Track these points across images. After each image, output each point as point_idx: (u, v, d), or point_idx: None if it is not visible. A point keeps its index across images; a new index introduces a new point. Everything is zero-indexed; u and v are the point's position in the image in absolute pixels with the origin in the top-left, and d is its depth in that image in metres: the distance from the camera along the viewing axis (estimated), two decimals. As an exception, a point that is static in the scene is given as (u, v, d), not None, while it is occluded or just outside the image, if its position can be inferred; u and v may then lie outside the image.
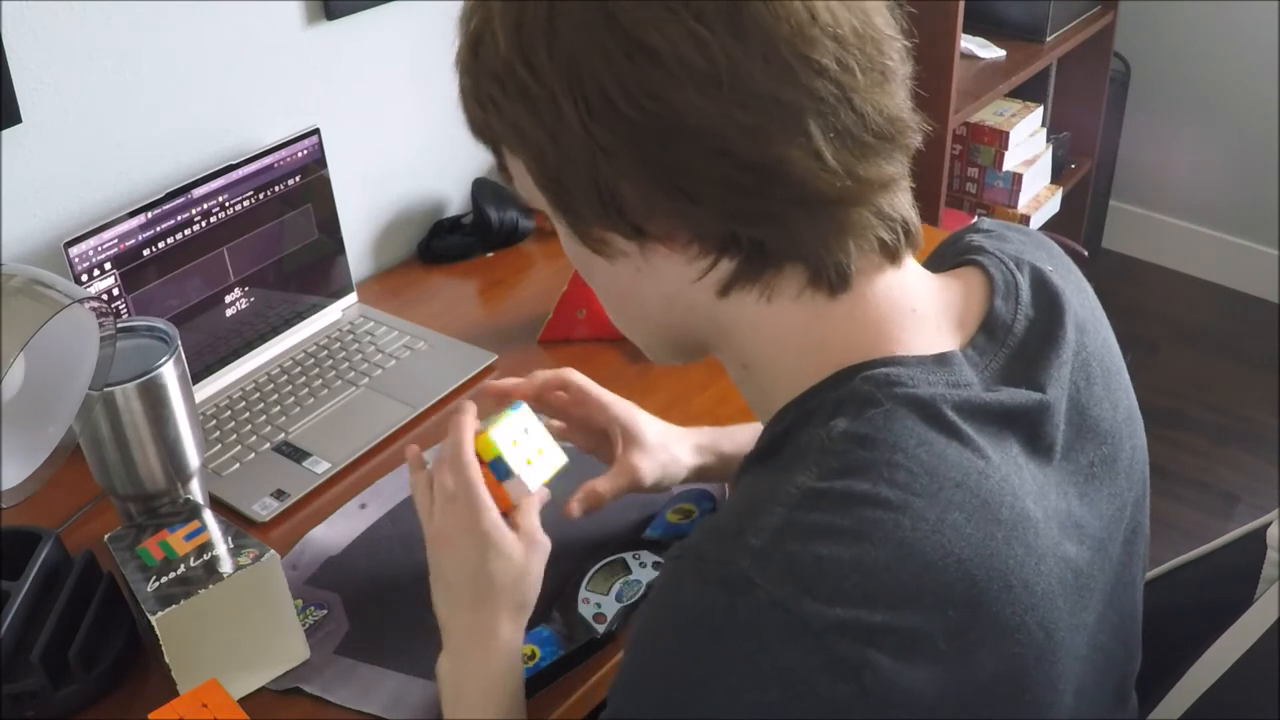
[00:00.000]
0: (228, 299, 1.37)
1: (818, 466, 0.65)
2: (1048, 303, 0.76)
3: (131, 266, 1.25)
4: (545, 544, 0.90)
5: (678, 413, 1.12)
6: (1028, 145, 2.62)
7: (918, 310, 0.72)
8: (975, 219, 0.87)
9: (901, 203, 0.70)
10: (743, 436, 1.07)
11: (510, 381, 1.01)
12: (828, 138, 0.64)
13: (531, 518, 0.91)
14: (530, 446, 0.93)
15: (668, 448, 1.03)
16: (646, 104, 0.63)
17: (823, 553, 0.61)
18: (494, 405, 0.97)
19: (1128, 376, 0.82)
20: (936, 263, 0.81)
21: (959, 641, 0.62)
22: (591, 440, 1.06)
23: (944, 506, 0.63)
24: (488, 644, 0.88)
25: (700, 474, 1.06)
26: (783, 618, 0.60)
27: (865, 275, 0.70)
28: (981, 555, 0.63)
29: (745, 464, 0.75)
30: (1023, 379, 0.72)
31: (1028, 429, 0.71)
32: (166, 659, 0.93)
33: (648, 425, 1.03)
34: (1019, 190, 2.61)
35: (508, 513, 0.90)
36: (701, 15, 0.62)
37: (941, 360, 0.70)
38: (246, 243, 1.37)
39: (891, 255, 0.71)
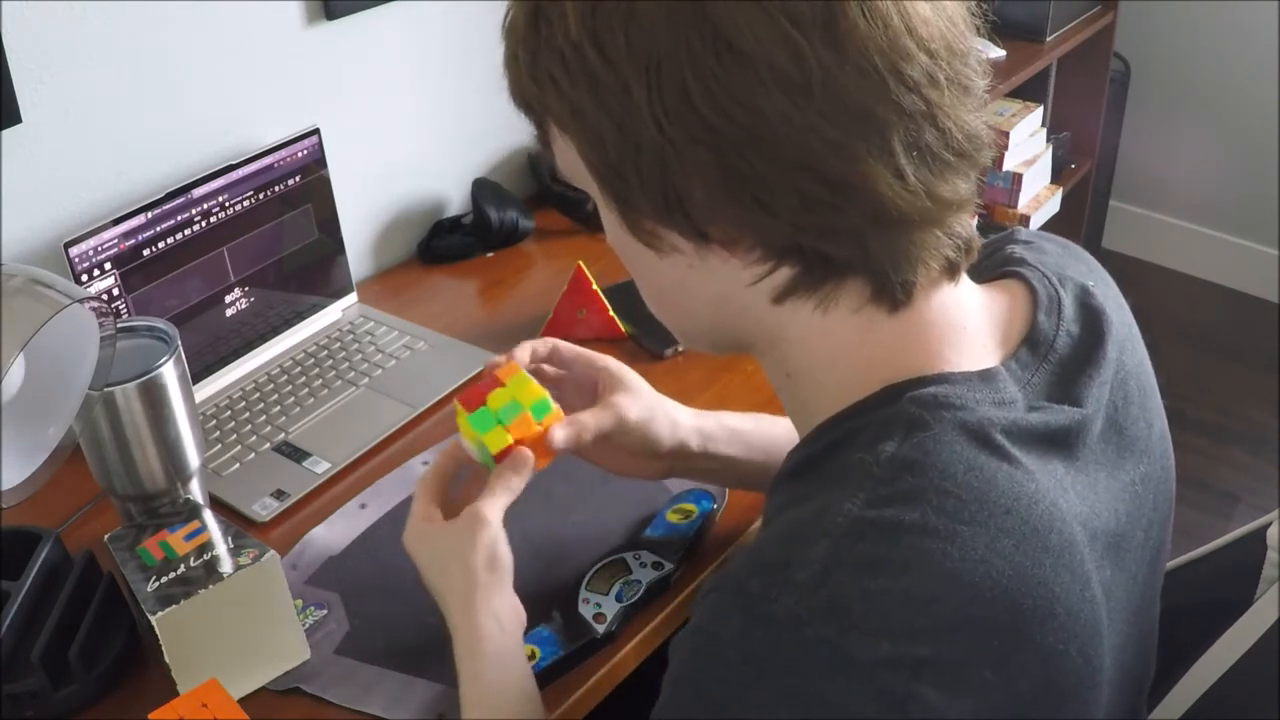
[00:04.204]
0: (228, 299, 1.37)
1: (864, 493, 0.63)
2: (1091, 321, 0.76)
3: (131, 266, 1.25)
4: (476, 514, 0.85)
5: (678, 413, 1.12)
6: (1028, 145, 2.63)
7: (968, 329, 0.71)
8: (1013, 228, 0.86)
9: (967, 221, 0.69)
10: (730, 422, 1.02)
11: (503, 360, 0.96)
12: (910, 155, 0.63)
13: (483, 498, 0.87)
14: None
15: (658, 398, 0.98)
16: (730, 108, 0.61)
17: (871, 587, 0.60)
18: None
19: (1159, 395, 0.82)
20: (973, 271, 0.79)
21: (1002, 671, 0.61)
22: (586, 400, 0.99)
23: (994, 535, 0.62)
24: (456, 631, 0.86)
25: (701, 439, 0.99)
26: (831, 654, 0.59)
27: (924, 291, 0.69)
28: (1029, 584, 0.62)
29: (779, 480, 0.73)
30: (1063, 396, 0.72)
31: (1069, 448, 0.70)
32: (166, 659, 0.93)
33: (634, 375, 0.98)
34: (1019, 190, 2.61)
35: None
36: (798, 20, 0.60)
37: (986, 376, 0.69)
38: (246, 243, 1.37)
39: (952, 273, 0.70)
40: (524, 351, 0.96)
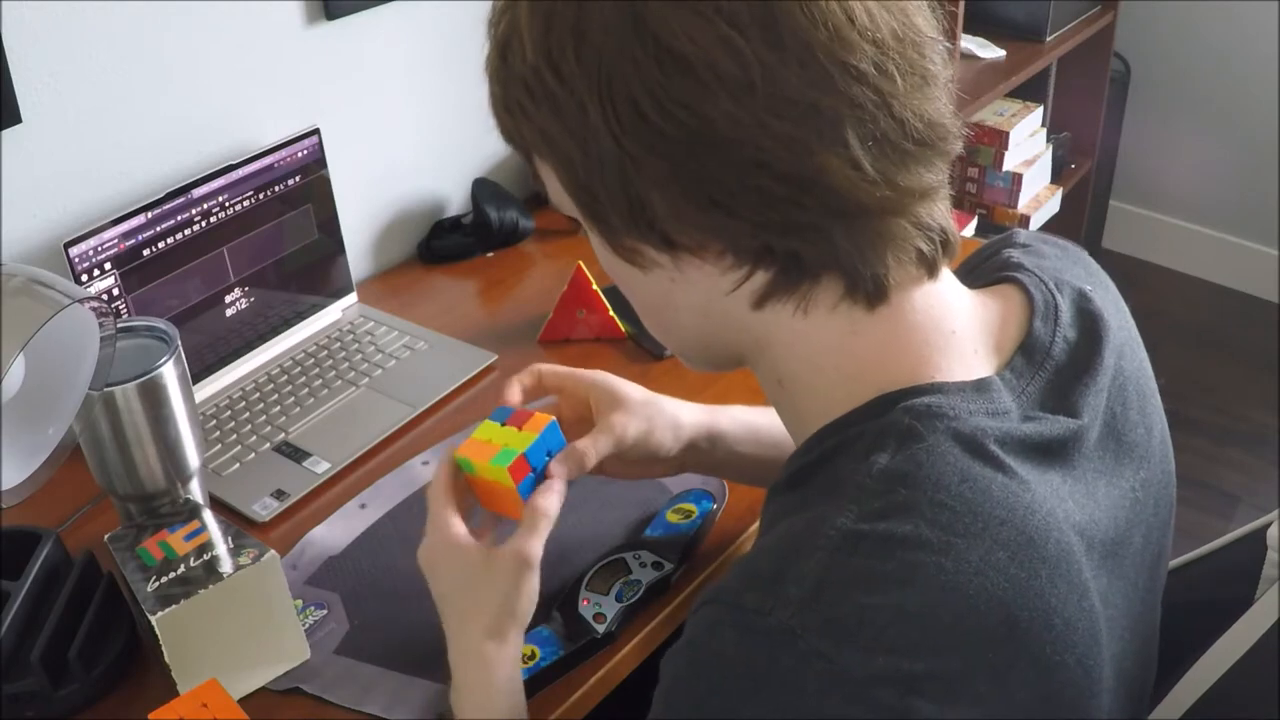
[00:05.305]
0: (228, 299, 1.37)
1: (857, 506, 0.63)
2: (1089, 327, 0.75)
3: (131, 266, 1.25)
4: (524, 559, 0.84)
5: (678, 413, 1.12)
6: (1028, 145, 2.63)
7: (957, 332, 0.71)
8: (1011, 230, 0.86)
9: (940, 212, 0.68)
10: (746, 417, 1.01)
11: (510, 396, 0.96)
12: (866, 146, 0.63)
13: (522, 533, 0.85)
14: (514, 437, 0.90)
15: (655, 405, 0.95)
16: (678, 113, 0.61)
17: (865, 601, 0.60)
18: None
19: (1159, 399, 0.81)
20: (970, 275, 0.79)
21: (999, 683, 0.61)
22: (581, 415, 0.98)
23: (988, 546, 0.62)
24: (474, 663, 0.85)
25: (709, 438, 0.98)
26: (825, 668, 0.59)
27: (903, 288, 0.69)
28: (1025, 595, 0.62)
29: (775, 489, 0.73)
30: (1059, 405, 0.71)
31: (1065, 458, 0.70)
32: (166, 659, 0.93)
33: (627, 386, 0.96)
34: (1019, 190, 2.61)
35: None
36: (734, 20, 0.60)
37: (980, 387, 0.69)
38: (246, 243, 1.37)
39: (929, 267, 0.69)
40: (514, 392, 0.95)
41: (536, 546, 0.85)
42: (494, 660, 0.85)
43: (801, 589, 0.61)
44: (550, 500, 0.86)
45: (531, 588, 0.86)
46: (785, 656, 0.60)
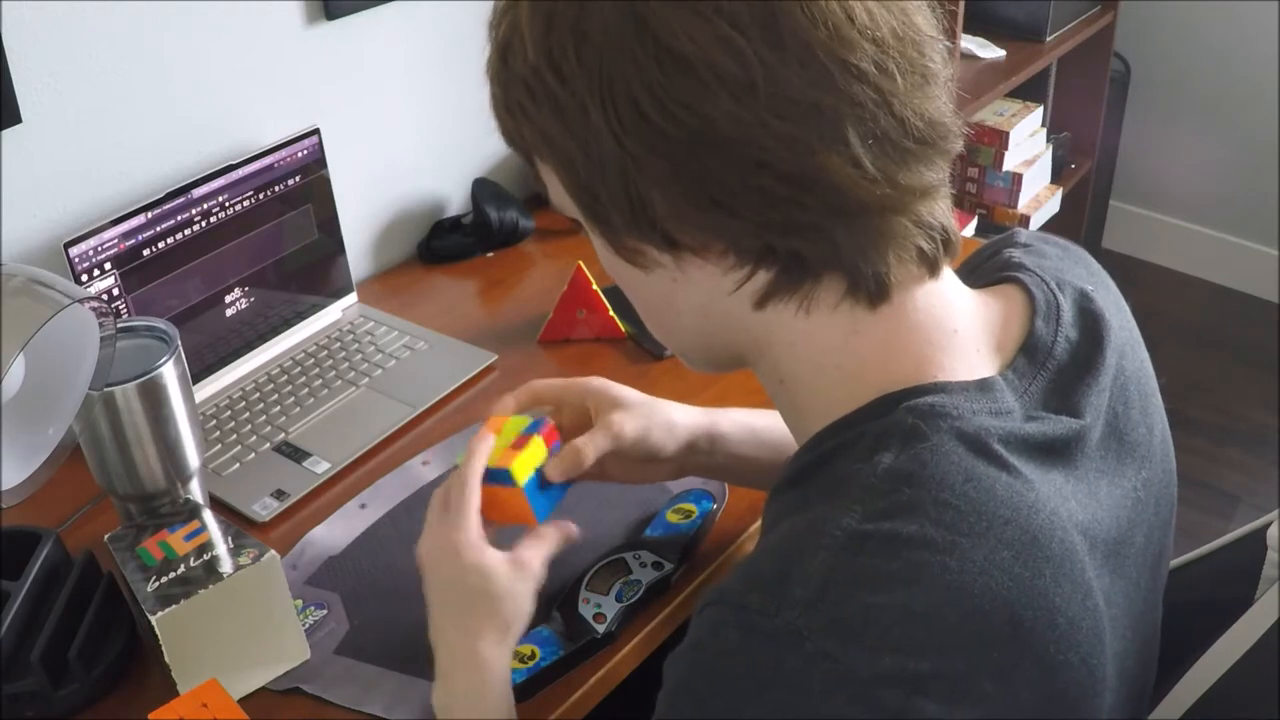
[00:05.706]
0: (228, 299, 1.37)
1: (862, 506, 0.63)
2: (1090, 327, 0.75)
3: (131, 266, 1.25)
4: (534, 571, 0.87)
5: (678, 413, 1.12)
6: (1028, 145, 2.63)
7: (959, 331, 0.71)
8: (1012, 230, 0.86)
9: (940, 210, 0.68)
10: (745, 419, 1.01)
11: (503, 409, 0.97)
12: (867, 144, 0.63)
13: (532, 544, 0.87)
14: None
15: (651, 405, 0.96)
16: (679, 114, 0.61)
17: (870, 601, 0.60)
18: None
19: (1160, 398, 0.82)
20: (971, 275, 0.79)
21: (1003, 682, 0.61)
22: (582, 424, 0.98)
23: (993, 545, 0.62)
24: (473, 666, 0.85)
25: (709, 439, 0.98)
26: (831, 669, 0.59)
27: (904, 287, 0.69)
28: (1029, 595, 0.62)
29: (777, 489, 0.73)
30: (1062, 405, 0.71)
31: (1068, 458, 0.70)
32: (166, 659, 0.93)
33: (625, 390, 0.97)
34: (1019, 190, 2.61)
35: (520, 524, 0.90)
36: (735, 20, 0.60)
37: (983, 386, 0.69)
38: (246, 243, 1.37)
39: (930, 266, 0.69)
40: (507, 406, 0.96)
41: (543, 557, 0.88)
42: (494, 666, 0.85)
43: (807, 589, 0.61)
44: (568, 527, 0.90)
45: (532, 597, 0.87)
46: (791, 657, 0.59)
